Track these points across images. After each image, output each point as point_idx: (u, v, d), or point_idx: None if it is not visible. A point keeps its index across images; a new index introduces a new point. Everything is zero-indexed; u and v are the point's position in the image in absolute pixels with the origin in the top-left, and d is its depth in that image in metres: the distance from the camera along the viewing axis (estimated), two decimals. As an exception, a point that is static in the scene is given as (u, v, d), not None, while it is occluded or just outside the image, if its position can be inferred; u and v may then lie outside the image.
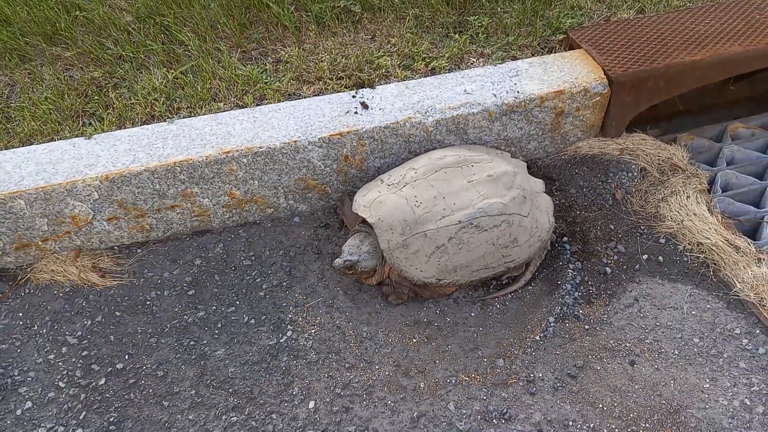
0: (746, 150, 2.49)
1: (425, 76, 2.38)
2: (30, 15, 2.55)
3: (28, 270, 2.05)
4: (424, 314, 1.97)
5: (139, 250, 2.12)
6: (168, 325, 1.92)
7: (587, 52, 2.45)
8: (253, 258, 2.11)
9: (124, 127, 2.14)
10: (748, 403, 1.68)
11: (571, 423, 1.69)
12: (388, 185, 2.03)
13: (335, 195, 2.28)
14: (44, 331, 1.89)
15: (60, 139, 2.10)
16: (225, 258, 2.10)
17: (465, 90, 2.28)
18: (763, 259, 2.03)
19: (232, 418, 1.70)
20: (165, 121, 2.14)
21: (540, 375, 1.80)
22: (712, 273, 2.03)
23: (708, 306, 1.93)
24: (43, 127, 2.16)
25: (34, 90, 2.32)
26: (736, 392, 1.71)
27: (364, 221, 2.04)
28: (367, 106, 2.22)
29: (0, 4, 2.54)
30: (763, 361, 1.78)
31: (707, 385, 1.74)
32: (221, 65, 2.38)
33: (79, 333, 1.89)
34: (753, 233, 2.20)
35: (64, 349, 1.85)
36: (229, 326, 1.92)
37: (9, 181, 1.95)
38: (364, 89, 2.30)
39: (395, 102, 2.23)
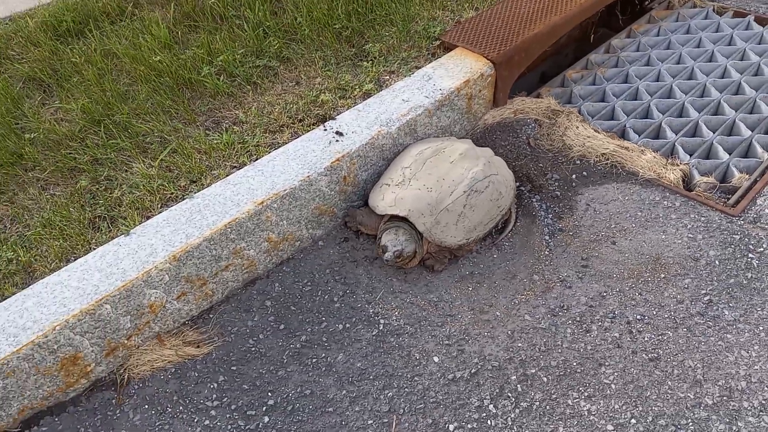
0: (585, 86, 3.41)
1: (363, 99, 2.87)
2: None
3: (122, 371, 2.12)
4: (463, 269, 2.48)
5: (211, 316, 2.29)
6: (284, 357, 2.17)
7: (465, 48, 3.15)
8: (309, 283, 2.42)
9: (149, 217, 2.30)
10: (691, 235, 2.50)
11: (603, 293, 2.34)
12: (397, 185, 2.50)
13: (340, 213, 2.67)
14: (180, 408, 2.01)
15: (89, 249, 2.18)
16: (287, 292, 2.38)
17: (403, 99, 2.83)
18: (643, 150, 2.91)
19: (389, 394, 2.05)
20: (185, 198, 2.34)
21: (565, 274, 2.44)
22: (621, 169, 2.84)
23: (631, 190, 2.74)
24: (67, 243, 2.22)
25: (26, 216, 2.33)
26: (681, 234, 2.52)
27: (390, 219, 2.48)
28: (342, 133, 2.65)
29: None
30: (681, 210, 2.62)
31: (663, 236, 2.53)
32: (192, 140, 2.61)
33: (214, 396, 2.05)
34: (622, 137, 3.10)
35: (212, 413, 2.00)
36: (332, 337, 2.23)
37: (87, 292, 2.02)
38: (327, 122, 2.72)
39: (359, 123, 2.70)
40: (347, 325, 2.27)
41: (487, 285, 2.40)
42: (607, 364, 2.11)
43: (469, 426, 1.95)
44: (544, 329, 2.23)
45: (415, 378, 2.10)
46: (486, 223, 2.50)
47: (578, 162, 2.90)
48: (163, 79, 2.81)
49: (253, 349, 2.19)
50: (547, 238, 2.58)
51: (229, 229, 2.25)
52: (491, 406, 2.00)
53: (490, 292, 2.38)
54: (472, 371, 2.10)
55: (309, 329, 2.26)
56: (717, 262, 2.38)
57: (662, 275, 2.37)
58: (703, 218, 2.58)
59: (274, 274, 2.44)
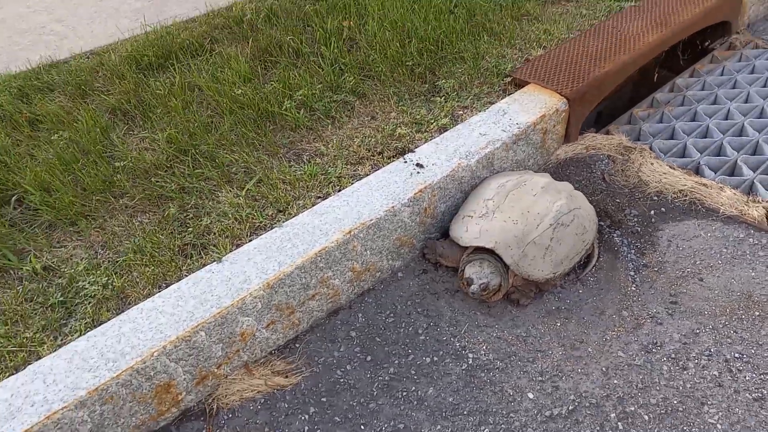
0: (654, 124, 3.40)
1: (439, 133, 2.90)
2: (77, 175, 2.56)
3: (211, 401, 2.11)
4: (549, 304, 2.45)
5: (297, 345, 2.28)
6: (373, 389, 2.14)
7: (538, 84, 3.18)
8: (391, 315, 2.41)
9: (239, 245, 2.32)
10: (784, 272, 2.45)
11: (696, 331, 2.28)
12: (480, 217, 2.49)
13: (418, 245, 2.66)
14: (276, 441, 1.99)
15: (180, 276, 2.20)
16: (371, 323, 2.37)
17: (480, 133, 2.85)
18: (722, 187, 2.87)
19: (485, 430, 2.00)
20: (273, 227, 2.36)
21: (655, 310, 2.39)
22: (700, 206, 2.81)
23: (713, 227, 2.70)
24: (159, 269, 2.24)
25: (116, 242, 2.37)
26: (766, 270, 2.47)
27: (474, 251, 2.47)
28: (423, 165, 2.67)
29: (44, 178, 2.51)
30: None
31: (753, 273, 2.47)
32: (277, 170, 2.65)
33: (306, 428, 2.02)
34: (696, 174, 3.07)
35: (305, 445, 1.97)
36: (420, 370, 2.21)
37: (183, 319, 2.03)
38: (406, 154, 2.74)
39: (438, 156, 2.72)
40: (434, 359, 2.24)
41: (576, 320, 2.36)
42: (709, 403, 2.04)
43: (572, 464, 1.89)
44: (639, 366, 2.18)
45: (511, 414, 2.05)
46: (572, 258, 2.47)
47: (655, 198, 2.88)
48: (245, 111, 2.87)
49: (342, 380, 2.16)
50: (632, 273, 2.54)
51: (318, 258, 2.25)
52: (593, 444, 1.94)
53: (579, 328, 2.34)
54: (570, 408, 2.05)
55: (396, 361, 2.23)
56: None
57: (756, 313, 2.31)
58: (793, 256, 2.52)
59: (356, 304, 2.43)
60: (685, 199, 2.85)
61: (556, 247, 2.43)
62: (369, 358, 2.25)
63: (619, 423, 2.01)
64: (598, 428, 1.99)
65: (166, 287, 2.19)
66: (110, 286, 2.21)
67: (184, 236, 2.37)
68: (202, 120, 2.85)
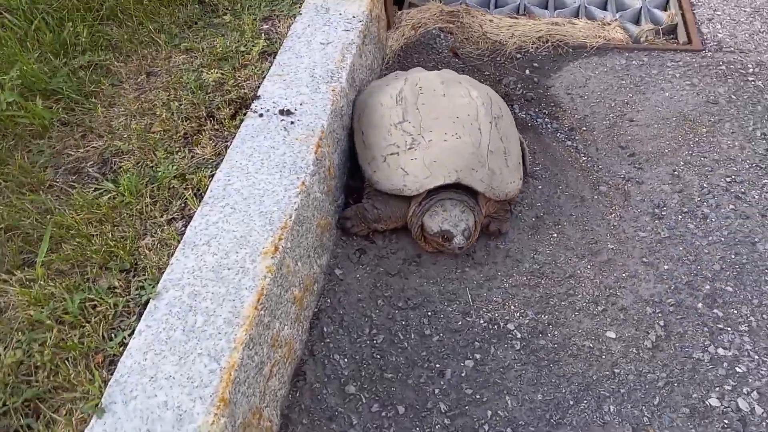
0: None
1: (266, 60, 1.99)
2: None
3: None
4: (525, 219, 1.89)
5: None
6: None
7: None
8: (374, 331, 1.60)
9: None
10: (689, 83, 2.28)
11: (676, 173, 1.99)
12: (409, 148, 1.76)
13: (333, 222, 1.83)
14: None
15: None
16: (358, 358, 1.53)
17: (321, 42, 2.04)
18: (572, 21, 2.58)
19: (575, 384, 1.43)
20: (145, 304, 1.30)
21: (623, 171, 2.02)
22: (566, 47, 2.49)
23: (595, 63, 2.41)
24: None
25: None
26: (679, 85, 2.28)
27: (426, 195, 1.75)
28: (291, 111, 1.78)
29: None
30: (655, 64, 2.38)
31: (668, 94, 2.26)
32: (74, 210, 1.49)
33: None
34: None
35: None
36: (475, 379, 1.50)
37: None
38: (253, 104, 1.81)
39: (299, 90, 1.85)
40: (478, 356, 1.54)
41: (567, 222, 1.86)
42: (757, 238, 1.78)
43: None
44: (668, 237, 1.80)
45: (604, 366, 1.50)
46: (519, 153, 1.92)
47: (519, 55, 2.46)
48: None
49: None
50: (569, 143, 2.12)
51: (260, 310, 1.30)
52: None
53: (577, 228, 1.85)
54: (659, 334, 1.59)
55: (436, 389, 1.47)
56: (733, 96, 2.20)
57: (704, 129, 2.10)
58: (680, 63, 2.37)
59: (317, 346, 1.55)
60: (547, 45, 2.49)
61: (508, 146, 1.84)
62: (402, 408, 1.44)
63: (715, 310, 1.62)
64: (692, 326, 1.58)
65: None
66: None
67: None
68: None
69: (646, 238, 1.79)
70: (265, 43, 2.02)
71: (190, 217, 1.48)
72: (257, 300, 1.30)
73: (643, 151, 2.06)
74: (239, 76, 1.90)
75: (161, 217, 1.51)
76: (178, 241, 1.42)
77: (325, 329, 1.58)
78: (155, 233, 1.46)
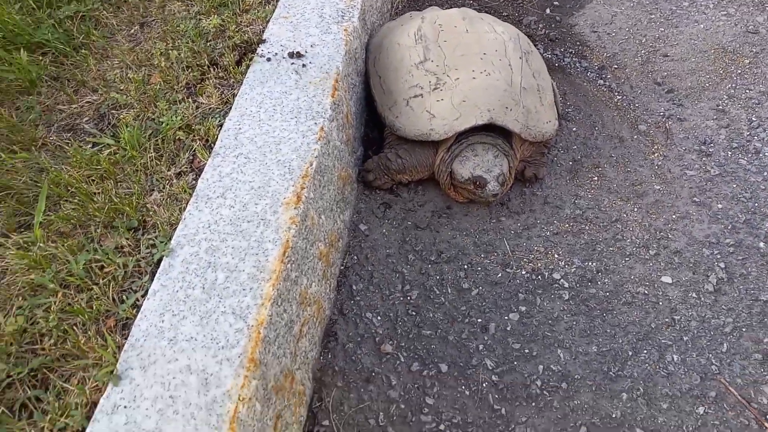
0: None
1: (270, 3, 1.83)
2: None
3: None
4: (562, 163, 1.75)
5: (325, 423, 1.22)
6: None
7: None
8: (409, 287, 1.46)
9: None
10: (724, 12, 2.11)
11: (719, 107, 1.84)
12: (434, 89, 1.60)
13: (354, 174, 1.68)
14: None
15: None
16: (395, 317, 1.40)
17: None
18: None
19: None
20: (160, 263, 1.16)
21: (662, 108, 1.86)
22: (589, -17, 2.31)
23: (619, -2, 2.24)
24: None
25: None
26: (714, 16, 2.11)
27: (456, 140, 1.60)
28: (302, 54, 1.62)
29: None
30: (684, -7, 2.21)
31: (703, 26, 2.09)
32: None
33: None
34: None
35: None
36: (522, 331, 1.36)
37: None
38: (259, 49, 1.65)
39: (308, 32, 1.69)
40: (523, 309, 1.40)
41: (607, 164, 1.72)
42: (814, 173, 1.63)
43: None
44: (721, 175, 1.67)
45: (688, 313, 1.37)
46: (552, 91, 1.76)
47: (541, -7, 2.28)
48: None
49: None
50: (600, 82, 1.96)
51: (287, 263, 1.16)
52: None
53: (618, 170, 1.70)
54: (721, 276, 1.45)
55: (480, 345, 1.33)
56: (774, 25, 2.03)
57: (746, 61, 1.94)
58: (713, -7, 2.20)
59: (347, 304, 1.41)
60: (561, -18, 2.31)
61: (542, 84, 1.69)
62: (444, 366, 1.30)
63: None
64: (755, 266, 1.44)
65: None
66: None
67: None
68: None
69: (694, 177, 1.65)
70: None
71: (201, 170, 1.34)
72: (283, 253, 1.16)
73: (681, 87, 1.90)
74: (241, 21, 1.74)
75: (169, 170, 1.37)
76: (190, 195, 1.27)
77: (354, 287, 1.44)
78: (163, 188, 1.32)
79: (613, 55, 2.03)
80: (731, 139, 1.72)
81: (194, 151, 1.39)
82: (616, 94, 1.91)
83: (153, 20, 1.80)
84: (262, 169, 1.31)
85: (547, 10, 2.22)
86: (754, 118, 1.76)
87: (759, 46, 1.95)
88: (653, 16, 2.13)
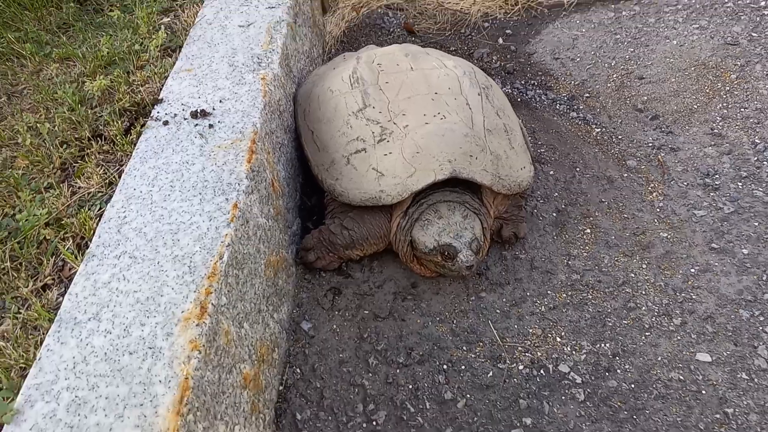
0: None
1: (168, 56, 1.50)
2: None
3: None
4: (548, 211, 1.43)
5: None
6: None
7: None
8: (370, 406, 1.09)
9: None
10: (696, 26, 1.88)
11: (713, 129, 1.57)
12: (380, 141, 1.28)
13: (291, 256, 1.33)
14: None
15: None
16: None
17: (239, 25, 1.57)
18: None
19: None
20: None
21: (650, 138, 1.58)
22: (541, 5, 2.06)
23: (573, 21, 2.00)
24: None
25: None
26: (685, 30, 1.88)
27: (413, 202, 1.26)
28: (207, 113, 1.29)
29: None
30: (649, 13, 1.98)
31: (675, 42, 1.85)
32: None
33: None
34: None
35: None
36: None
37: None
38: (154, 110, 1.30)
39: (215, 84, 1.36)
40: (528, 421, 1.04)
41: (599, 212, 1.41)
42: None
43: None
44: (732, 208, 1.35)
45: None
46: (521, 131, 1.46)
47: (487, 24, 2.02)
48: None
49: None
50: (574, 114, 1.67)
51: (190, 415, 0.78)
52: None
53: (614, 218, 1.39)
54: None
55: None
56: (754, 34, 1.81)
57: (732, 76, 1.69)
58: (679, 7, 1.99)
59: (298, 442, 1.03)
60: (517, 8, 2.07)
61: (508, 123, 1.38)
62: None
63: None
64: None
65: None
66: None
67: None
68: None
69: (706, 218, 1.35)
70: (167, 37, 1.52)
71: (71, 279, 0.95)
72: (180, 399, 0.78)
73: (667, 111, 1.63)
74: (134, 80, 1.39)
75: (27, 286, 0.98)
76: (52, 321, 0.89)
77: (298, 416, 1.06)
78: (17, 313, 0.93)
79: (581, 82, 1.75)
80: (738, 167, 1.44)
81: (63, 254, 1.01)
82: (594, 126, 1.62)
83: (24, 88, 1.44)
84: (153, 272, 0.94)
85: (500, 40, 1.95)
86: (757, 140, 1.49)
87: (743, 59, 1.71)
88: (618, 36, 1.88)
